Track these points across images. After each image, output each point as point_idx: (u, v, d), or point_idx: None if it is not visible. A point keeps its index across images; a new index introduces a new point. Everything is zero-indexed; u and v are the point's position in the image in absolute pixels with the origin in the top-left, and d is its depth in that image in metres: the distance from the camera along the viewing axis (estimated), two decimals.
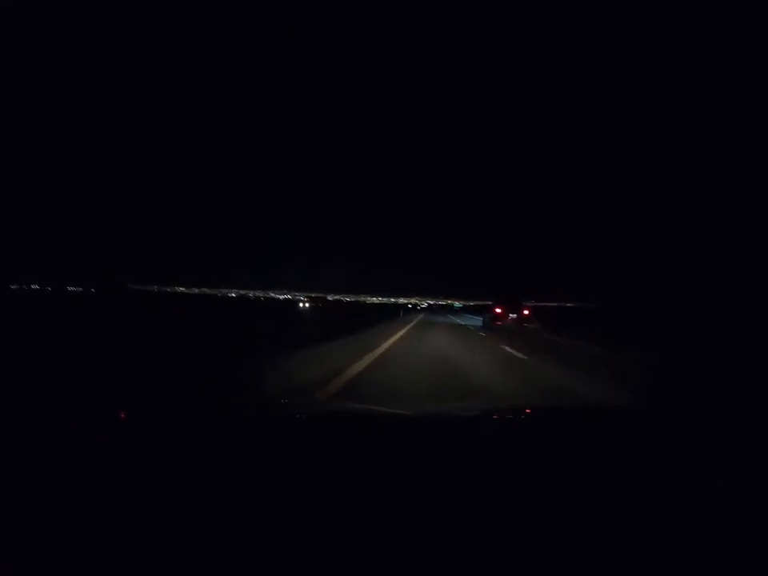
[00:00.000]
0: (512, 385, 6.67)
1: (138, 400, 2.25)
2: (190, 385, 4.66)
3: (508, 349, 12.05)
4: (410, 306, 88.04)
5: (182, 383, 4.70)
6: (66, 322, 13.22)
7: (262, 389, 4.73)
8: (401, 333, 14.93)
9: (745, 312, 23.48)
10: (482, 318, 27.34)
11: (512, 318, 21.95)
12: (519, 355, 10.80)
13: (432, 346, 11.71)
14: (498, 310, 22.61)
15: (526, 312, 23.21)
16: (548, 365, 9.59)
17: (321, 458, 1.25)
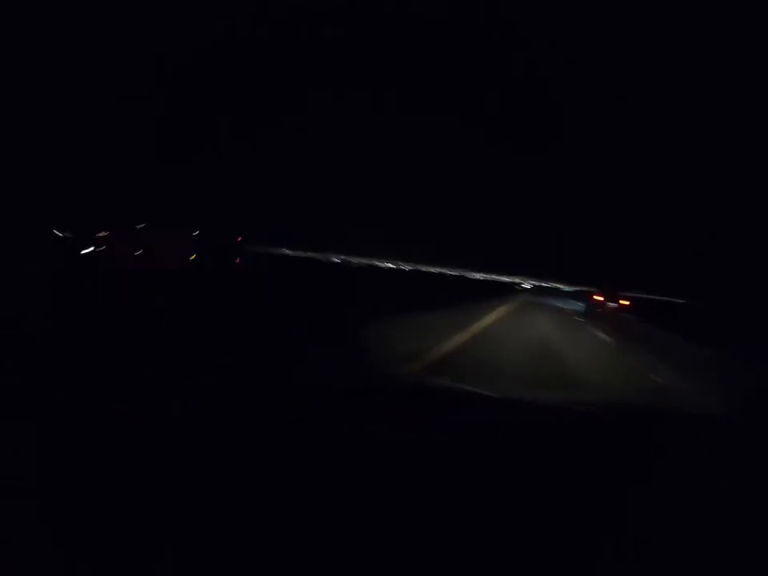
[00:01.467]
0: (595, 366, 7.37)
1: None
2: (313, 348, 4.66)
3: (601, 334, 12.74)
4: (515, 285, 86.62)
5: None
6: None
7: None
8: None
9: None
10: (583, 305, 27.79)
11: (611, 307, 22.48)
12: (609, 338, 11.52)
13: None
14: (599, 298, 23.25)
15: (625, 302, 23.63)
16: (637, 351, 10.17)
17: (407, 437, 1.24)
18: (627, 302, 23.78)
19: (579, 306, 30.20)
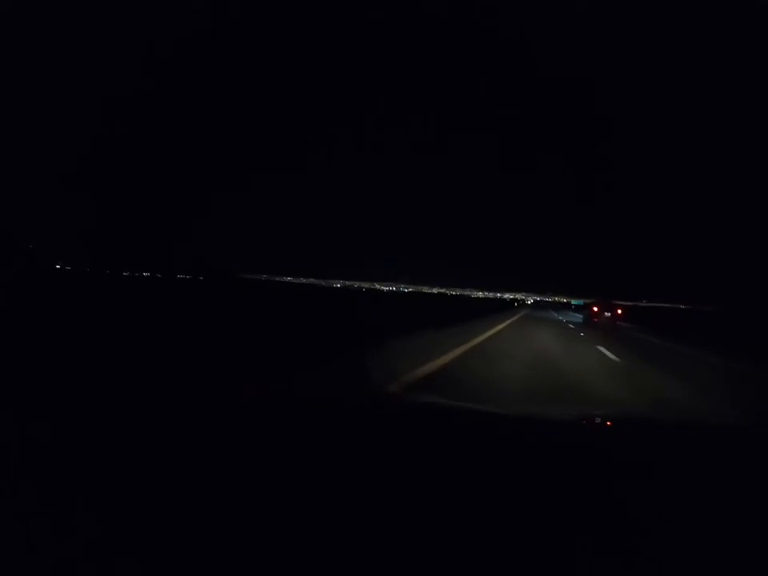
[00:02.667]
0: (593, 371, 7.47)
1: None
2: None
3: (594, 341, 13.00)
4: (516, 302, 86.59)
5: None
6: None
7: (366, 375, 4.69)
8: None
9: None
10: (581, 316, 28.93)
11: (607, 317, 23.78)
12: (605, 347, 11.73)
13: None
14: (596, 309, 24.75)
15: (619, 311, 25.06)
16: (631, 357, 10.33)
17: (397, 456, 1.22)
18: (620, 311, 25.25)
19: (578, 317, 30.96)
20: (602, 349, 11.33)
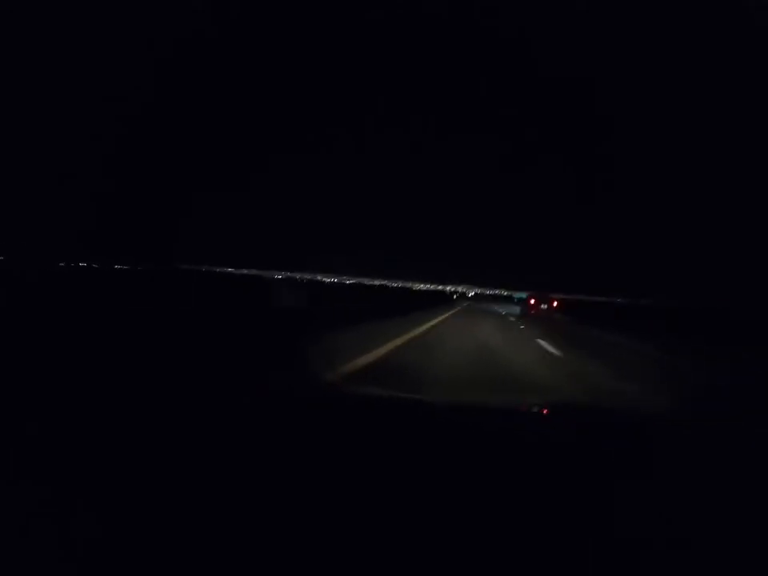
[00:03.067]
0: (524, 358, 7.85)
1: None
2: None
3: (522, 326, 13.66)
4: (455, 294, 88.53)
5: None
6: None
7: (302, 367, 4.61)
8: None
9: None
10: (519, 308, 30.64)
11: (542, 309, 25.25)
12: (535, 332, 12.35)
13: None
14: (532, 301, 26.46)
15: (554, 304, 27.00)
16: (558, 342, 11.27)
17: (322, 447, 1.21)
18: (556, 304, 27.26)
19: (517, 309, 32.49)
20: (535, 337, 12.24)
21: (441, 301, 37.85)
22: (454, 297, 44.88)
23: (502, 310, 35.13)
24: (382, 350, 7.39)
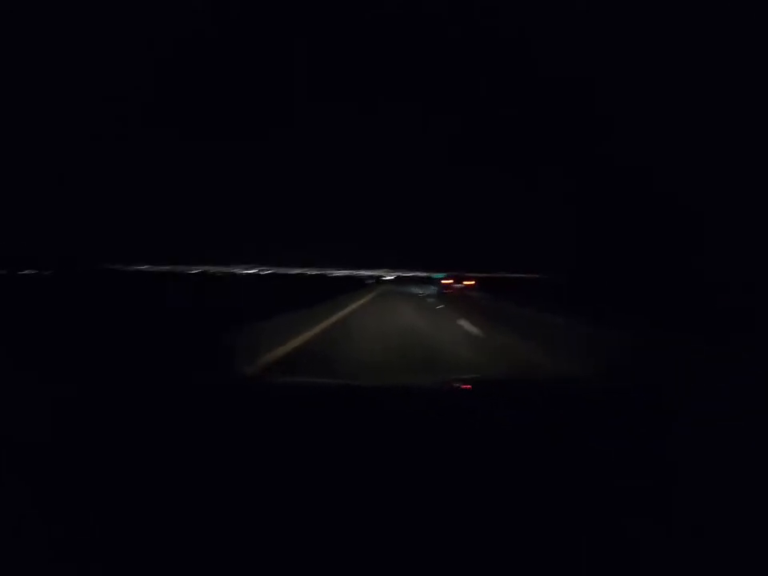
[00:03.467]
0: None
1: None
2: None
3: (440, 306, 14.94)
4: (372, 279, 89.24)
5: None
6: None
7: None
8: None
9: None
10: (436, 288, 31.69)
11: (457, 287, 27.04)
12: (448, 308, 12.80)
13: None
14: (449, 281, 28.06)
15: (469, 283, 28.59)
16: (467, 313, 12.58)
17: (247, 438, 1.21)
18: (471, 282, 28.98)
19: (434, 290, 33.29)
20: (455, 318, 12.38)
21: (360, 286, 38.22)
22: (372, 281, 44.05)
23: (421, 291, 35.86)
24: (298, 340, 7.44)
